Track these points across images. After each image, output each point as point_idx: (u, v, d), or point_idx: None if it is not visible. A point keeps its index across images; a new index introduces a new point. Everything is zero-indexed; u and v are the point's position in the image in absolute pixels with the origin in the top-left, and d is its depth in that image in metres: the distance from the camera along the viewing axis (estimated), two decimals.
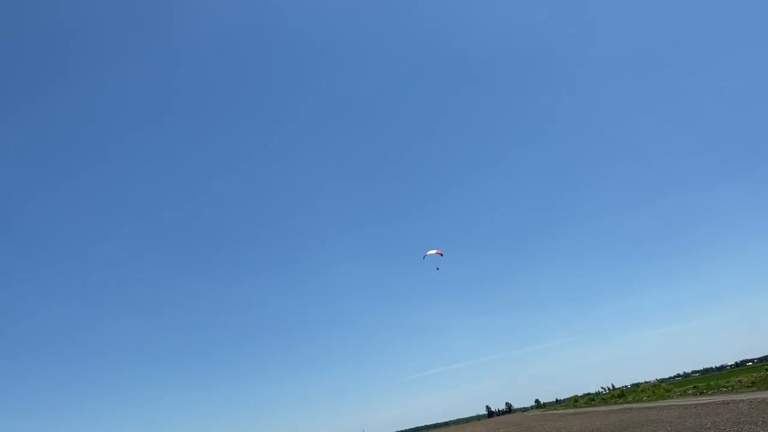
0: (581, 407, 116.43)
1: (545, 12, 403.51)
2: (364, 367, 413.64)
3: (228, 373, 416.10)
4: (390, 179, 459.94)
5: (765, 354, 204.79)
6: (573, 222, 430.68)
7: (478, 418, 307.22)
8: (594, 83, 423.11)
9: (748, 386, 57.07)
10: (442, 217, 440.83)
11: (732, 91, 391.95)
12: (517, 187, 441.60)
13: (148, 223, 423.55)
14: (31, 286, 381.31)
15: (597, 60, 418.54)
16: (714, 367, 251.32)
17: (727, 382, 69.35)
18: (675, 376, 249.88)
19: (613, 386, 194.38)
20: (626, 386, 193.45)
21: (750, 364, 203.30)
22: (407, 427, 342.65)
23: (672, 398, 70.64)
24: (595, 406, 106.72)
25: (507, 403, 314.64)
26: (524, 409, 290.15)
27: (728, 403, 40.07)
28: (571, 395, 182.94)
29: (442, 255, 76.89)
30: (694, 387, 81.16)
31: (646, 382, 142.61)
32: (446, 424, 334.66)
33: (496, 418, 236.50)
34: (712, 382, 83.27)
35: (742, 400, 40.16)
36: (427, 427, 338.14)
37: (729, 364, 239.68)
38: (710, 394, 59.81)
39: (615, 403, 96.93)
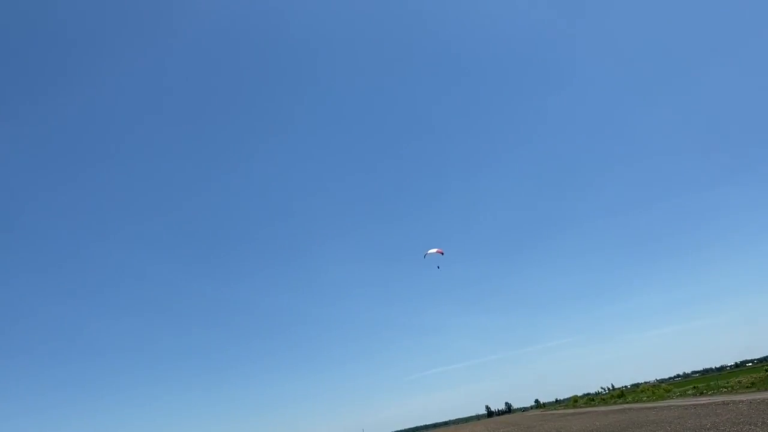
0: (581, 407, 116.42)
1: (545, 11, 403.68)
2: (364, 366, 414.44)
3: (227, 373, 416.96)
4: (390, 178, 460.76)
5: (765, 354, 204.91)
6: (573, 222, 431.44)
7: (478, 417, 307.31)
8: (594, 82, 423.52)
9: (747, 387, 57.05)
10: (442, 216, 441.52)
11: (732, 90, 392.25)
12: (518, 186, 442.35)
13: (147, 222, 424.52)
14: (31, 286, 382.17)
15: (597, 59, 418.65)
16: (714, 367, 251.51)
17: (727, 383, 69.32)
18: (675, 377, 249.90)
19: (612, 386, 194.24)
20: (626, 386, 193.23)
21: (750, 364, 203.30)
22: (407, 427, 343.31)
23: (672, 398, 70.63)
24: (594, 406, 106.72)
25: (507, 403, 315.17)
26: (524, 409, 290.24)
27: (728, 404, 40.08)
28: (571, 395, 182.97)
29: (443, 254, 76.95)
30: (694, 387, 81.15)
31: (645, 383, 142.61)
32: (446, 423, 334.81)
33: (495, 418, 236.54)
34: (711, 383, 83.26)
35: (742, 401, 40.16)
36: (426, 426, 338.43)
37: (729, 364, 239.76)
38: (710, 395, 59.79)
39: (615, 403, 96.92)
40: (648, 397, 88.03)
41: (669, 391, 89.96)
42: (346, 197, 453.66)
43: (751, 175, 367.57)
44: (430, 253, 75.67)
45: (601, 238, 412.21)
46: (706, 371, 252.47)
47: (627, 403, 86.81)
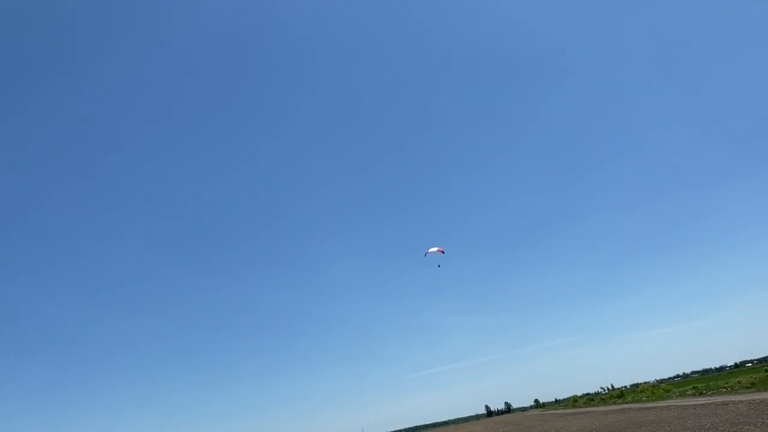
0: (580, 407, 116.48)
1: (546, 9, 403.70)
2: (363, 365, 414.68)
3: (226, 372, 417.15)
4: (390, 177, 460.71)
5: (764, 355, 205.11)
6: (573, 221, 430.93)
7: (478, 417, 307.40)
8: (594, 80, 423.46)
9: (747, 387, 57.10)
10: (442, 215, 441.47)
11: (732, 90, 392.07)
12: (518, 185, 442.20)
13: (147, 222, 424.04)
14: (34, 286, 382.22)
15: (598, 57, 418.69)
16: (713, 367, 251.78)
17: (726, 383, 69.39)
18: (674, 377, 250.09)
19: (612, 386, 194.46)
20: (625, 386, 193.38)
21: (749, 365, 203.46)
22: (406, 426, 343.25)
23: (671, 399, 70.66)
24: (594, 406, 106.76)
25: (506, 403, 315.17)
26: (523, 409, 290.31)
27: (727, 404, 40.11)
28: (571, 395, 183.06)
29: (443, 252, 77.01)
30: (694, 387, 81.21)
31: (645, 383, 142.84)
32: (445, 423, 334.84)
33: (495, 418, 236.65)
34: (711, 383, 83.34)
35: (741, 401, 40.20)
36: (426, 426, 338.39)
37: (728, 364, 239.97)
38: (709, 395, 59.82)
39: (614, 403, 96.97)
40: (647, 397, 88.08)
41: (668, 391, 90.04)
42: (345, 196, 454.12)
43: (750, 174, 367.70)
44: (431, 252, 75.74)
45: (601, 237, 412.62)
46: (705, 371, 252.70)
47: (626, 403, 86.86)
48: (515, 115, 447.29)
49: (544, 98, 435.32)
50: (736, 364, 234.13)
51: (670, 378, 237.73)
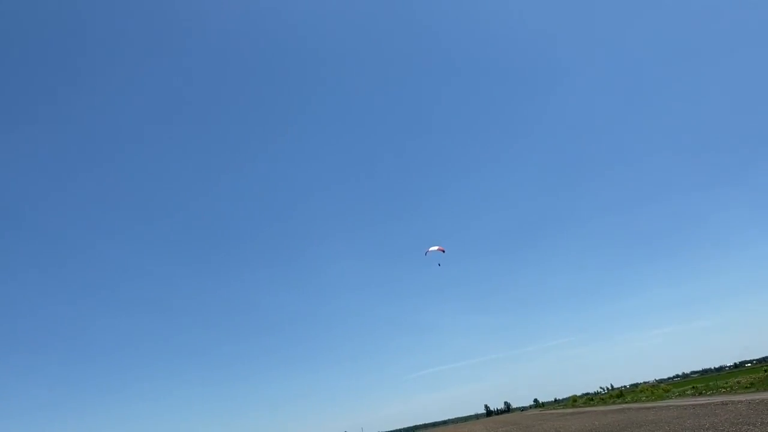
0: (580, 407, 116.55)
1: (546, 10, 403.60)
2: (363, 364, 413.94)
3: (226, 371, 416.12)
4: (390, 177, 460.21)
5: (764, 355, 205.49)
6: (573, 220, 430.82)
7: (477, 417, 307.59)
8: (595, 82, 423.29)
9: (746, 387, 57.16)
10: (442, 214, 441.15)
11: (732, 90, 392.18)
12: (518, 184, 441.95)
13: (148, 221, 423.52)
14: (33, 284, 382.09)
15: (598, 59, 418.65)
16: (713, 367, 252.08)
17: (726, 383, 69.44)
18: (674, 377, 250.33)
19: (611, 386, 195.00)
20: (625, 386, 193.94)
21: (749, 365, 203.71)
22: (406, 425, 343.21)
23: (671, 399, 70.71)
24: (593, 406, 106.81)
25: (506, 402, 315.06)
26: (523, 409, 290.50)
27: (727, 404, 40.14)
28: (570, 395, 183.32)
29: (444, 251, 77.09)
30: (693, 387, 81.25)
31: (645, 383, 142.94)
32: (445, 422, 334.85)
33: (494, 417, 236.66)
34: (710, 383, 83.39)
35: (741, 401, 40.23)
36: (425, 425, 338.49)
37: (728, 365, 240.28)
38: (709, 395, 59.85)
39: (614, 403, 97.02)
40: (647, 397, 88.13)
41: (668, 391, 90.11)
42: (345, 195, 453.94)
43: (751, 175, 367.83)
44: (432, 251, 75.82)
45: (601, 237, 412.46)
46: (705, 371, 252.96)
47: (626, 403, 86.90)
48: (516, 115, 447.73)
49: (543, 100, 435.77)
50: (735, 364, 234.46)
51: (669, 378, 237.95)
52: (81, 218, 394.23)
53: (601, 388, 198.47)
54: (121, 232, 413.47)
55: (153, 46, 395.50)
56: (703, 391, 68.10)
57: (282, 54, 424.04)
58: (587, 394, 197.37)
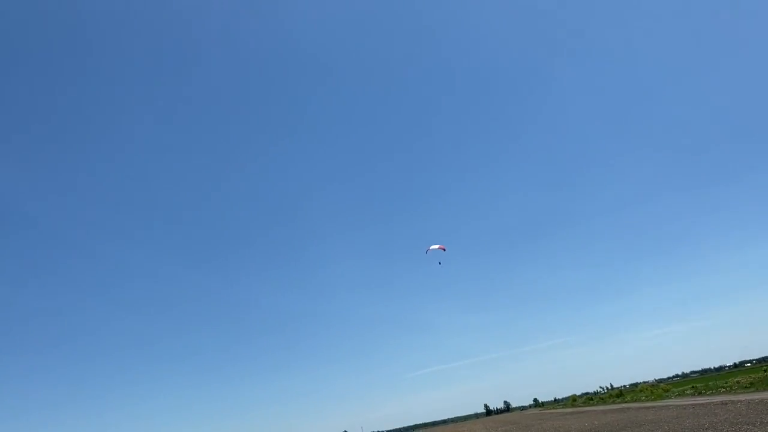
0: (579, 406, 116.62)
1: (545, 10, 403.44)
2: (363, 364, 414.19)
3: (227, 370, 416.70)
4: (390, 177, 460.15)
5: (764, 355, 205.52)
6: (573, 220, 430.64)
7: (477, 416, 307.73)
8: (595, 82, 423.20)
9: (746, 387, 57.18)
10: (441, 214, 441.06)
11: (731, 90, 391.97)
12: (518, 184, 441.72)
13: (150, 222, 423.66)
14: (37, 285, 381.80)
15: (599, 59, 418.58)
16: (713, 367, 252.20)
17: (726, 383, 69.46)
18: (673, 377, 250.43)
19: (611, 386, 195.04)
20: (625, 386, 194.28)
21: (749, 365, 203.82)
22: (405, 425, 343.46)
23: (670, 398, 70.77)
24: (593, 405, 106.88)
25: (505, 402, 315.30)
26: (522, 408, 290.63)
27: (726, 404, 40.15)
28: (570, 394, 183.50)
29: (445, 250, 77.05)
30: (693, 387, 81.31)
31: (644, 382, 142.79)
32: (444, 422, 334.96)
33: (494, 417, 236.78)
34: (710, 383, 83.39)
35: (740, 401, 40.24)
36: (425, 424, 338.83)
37: (728, 364, 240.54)
38: (708, 395, 59.89)
39: (613, 402, 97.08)
40: (647, 396, 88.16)
41: (668, 390, 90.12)
42: (346, 194, 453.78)
43: (751, 174, 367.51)
44: (432, 249, 75.79)
45: (601, 236, 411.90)
46: (704, 371, 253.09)
47: (626, 402, 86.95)
48: (516, 115, 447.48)
49: (543, 99, 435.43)
50: (735, 364, 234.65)
51: (669, 378, 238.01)
52: (82, 218, 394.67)
53: (600, 387, 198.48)
54: (121, 232, 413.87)
55: (155, 47, 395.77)
56: (703, 391, 68.13)
57: (283, 54, 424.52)
58: (587, 393, 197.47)
